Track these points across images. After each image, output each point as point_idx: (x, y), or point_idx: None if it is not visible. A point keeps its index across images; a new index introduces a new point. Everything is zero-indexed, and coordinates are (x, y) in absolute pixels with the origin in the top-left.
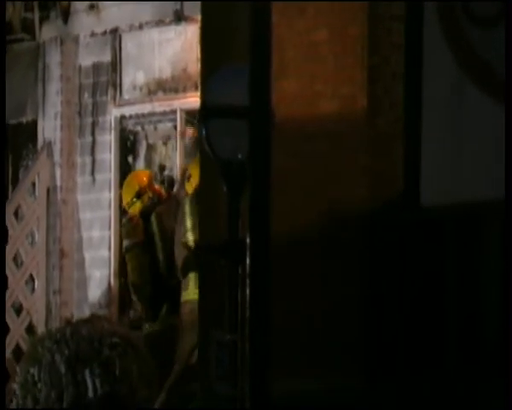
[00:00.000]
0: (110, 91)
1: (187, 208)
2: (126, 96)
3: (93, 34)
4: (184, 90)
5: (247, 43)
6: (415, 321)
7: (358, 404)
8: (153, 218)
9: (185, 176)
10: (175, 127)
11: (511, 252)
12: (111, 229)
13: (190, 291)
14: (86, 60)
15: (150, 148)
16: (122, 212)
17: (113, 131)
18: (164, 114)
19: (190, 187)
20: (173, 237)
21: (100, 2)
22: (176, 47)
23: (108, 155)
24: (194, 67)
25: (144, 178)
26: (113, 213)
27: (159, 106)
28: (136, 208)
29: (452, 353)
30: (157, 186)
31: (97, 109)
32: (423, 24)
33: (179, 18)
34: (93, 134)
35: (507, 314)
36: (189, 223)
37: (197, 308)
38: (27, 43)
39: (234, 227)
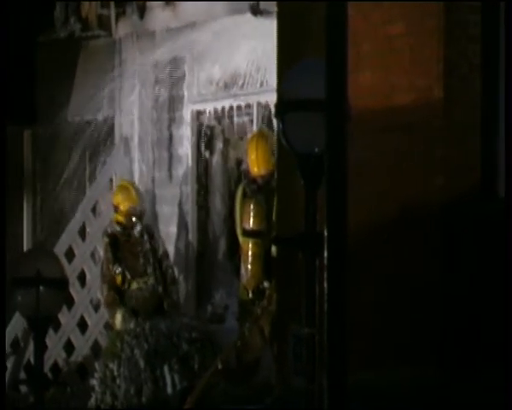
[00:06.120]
0: (186, 86)
1: (254, 199)
2: (203, 91)
3: (169, 29)
4: (261, 84)
5: (323, 36)
6: (491, 313)
7: (434, 396)
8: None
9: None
10: (251, 122)
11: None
12: (188, 224)
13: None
14: (162, 55)
15: (227, 142)
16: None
17: (189, 126)
18: (240, 108)
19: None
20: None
21: None
22: (252, 41)
23: (185, 149)
24: (271, 61)
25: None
26: (190, 208)
27: (235, 100)
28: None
29: None
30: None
31: (174, 104)
32: (500, 14)
33: (255, 12)
34: (170, 129)
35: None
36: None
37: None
38: (104, 39)
39: (311, 220)
